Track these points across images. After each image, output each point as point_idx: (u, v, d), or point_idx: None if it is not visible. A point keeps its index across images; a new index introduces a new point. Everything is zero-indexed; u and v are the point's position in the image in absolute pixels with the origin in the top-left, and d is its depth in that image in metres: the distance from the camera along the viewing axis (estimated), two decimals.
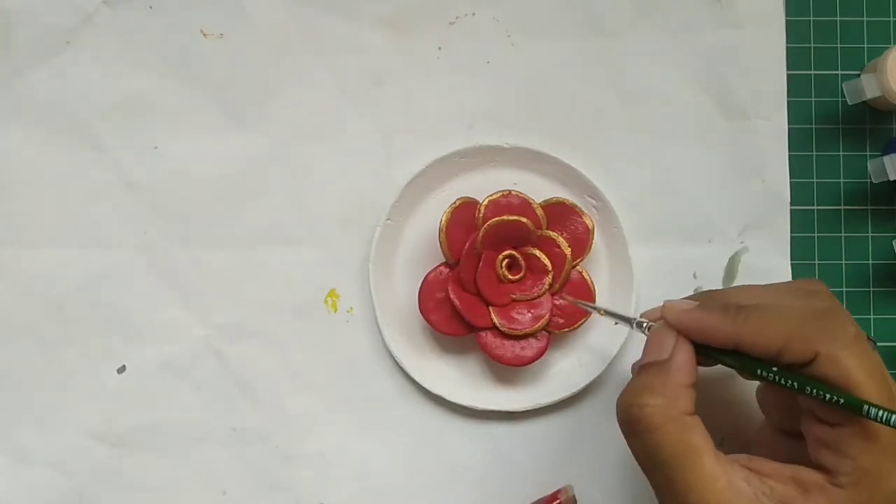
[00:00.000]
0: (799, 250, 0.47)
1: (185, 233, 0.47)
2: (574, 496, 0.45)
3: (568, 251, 0.44)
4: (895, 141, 0.48)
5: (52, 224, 0.46)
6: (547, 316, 0.44)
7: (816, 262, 0.48)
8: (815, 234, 0.48)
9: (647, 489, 0.36)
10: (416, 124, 0.47)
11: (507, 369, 0.46)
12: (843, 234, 0.48)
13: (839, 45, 0.48)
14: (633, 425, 0.34)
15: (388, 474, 0.46)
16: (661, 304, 0.38)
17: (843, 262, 0.48)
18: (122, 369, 0.46)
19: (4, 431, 0.46)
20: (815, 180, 0.48)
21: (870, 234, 0.48)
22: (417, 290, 0.44)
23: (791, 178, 0.47)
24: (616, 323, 0.41)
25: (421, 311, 0.44)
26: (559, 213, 0.45)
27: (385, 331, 0.45)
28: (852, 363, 0.32)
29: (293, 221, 0.47)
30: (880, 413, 0.31)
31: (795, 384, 0.33)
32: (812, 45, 0.48)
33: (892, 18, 0.48)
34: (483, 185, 0.45)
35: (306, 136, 0.47)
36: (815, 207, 0.48)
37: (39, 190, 0.46)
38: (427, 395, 0.46)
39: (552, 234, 0.44)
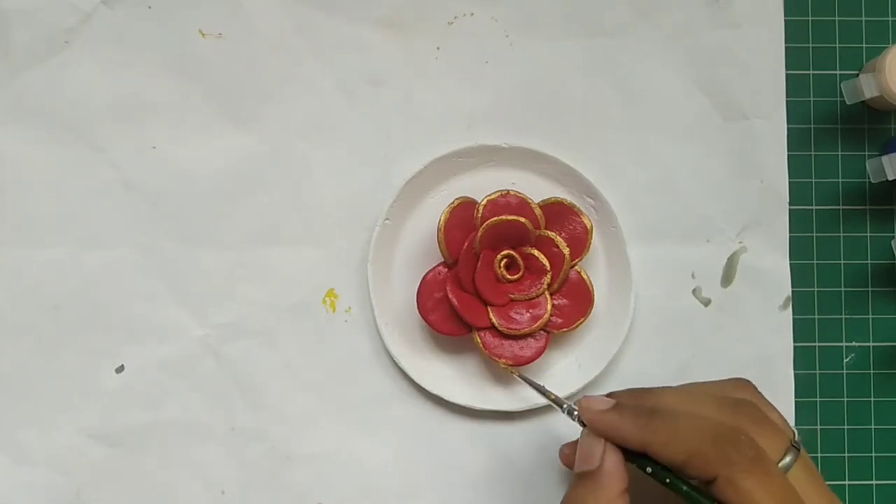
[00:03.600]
0: (797, 250, 0.47)
1: (184, 232, 0.47)
2: None
3: (566, 251, 0.44)
4: (894, 140, 0.48)
5: (51, 224, 0.46)
6: (545, 316, 0.44)
7: (815, 261, 0.48)
8: (814, 234, 0.48)
9: (644, 488, 0.36)
10: (415, 124, 0.47)
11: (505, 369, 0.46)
12: (841, 234, 0.48)
13: (837, 45, 0.48)
14: None
15: (386, 474, 0.46)
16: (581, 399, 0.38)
17: (842, 261, 0.48)
18: (120, 369, 0.46)
19: (3, 431, 0.46)
20: (813, 180, 0.48)
21: (868, 234, 0.48)
22: (416, 289, 0.44)
23: (789, 177, 0.47)
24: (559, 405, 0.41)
25: (419, 311, 0.44)
26: (558, 212, 0.45)
27: (383, 330, 0.45)
28: (750, 487, 0.32)
29: (291, 221, 0.47)
30: None
31: (701, 500, 0.34)
32: (811, 44, 0.48)
33: (890, 18, 0.48)
34: (482, 185, 0.45)
35: (305, 136, 0.47)
36: (813, 207, 0.48)
37: (38, 190, 0.47)
38: (425, 395, 0.46)
39: (550, 233, 0.44)
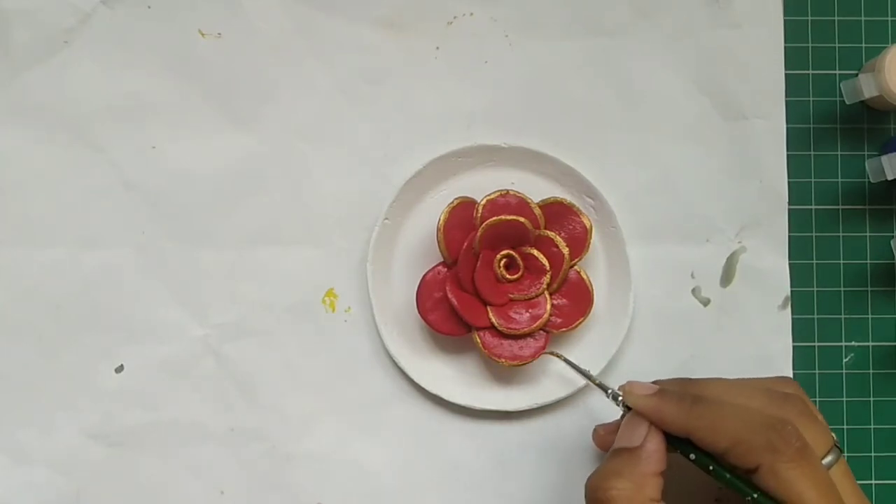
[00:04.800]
0: (797, 250, 0.47)
1: (184, 232, 0.47)
2: None
3: (566, 251, 0.44)
4: (893, 140, 0.48)
5: (51, 224, 0.46)
6: (545, 316, 0.44)
7: (814, 261, 0.48)
8: (813, 234, 0.48)
9: (680, 480, 0.36)
10: (414, 124, 0.47)
11: (505, 369, 0.46)
12: (840, 234, 0.48)
13: (837, 45, 0.48)
14: None
15: (385, 474, 0.46)
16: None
17: (841, 261, 0.48)
18: (120, 369, 0.46)
19: (3, 431, 0.46)
20: (812, 180, 0.48)
21: (868, 234, 0.48)
22: (415, 289, 0.44)
23: (789, 177, 0.47)
24: (600, 387, 0.42)
25: (419, 311, 0.44)
26: (557, 212, 0.45)
27: (383, 330, 0.45)
28: (794, 477, 0.32)
29: (291, 221, 0.47)
30: None
31: (743, 488, 0.34)
32: (810, 44, 0.48)
33: (889, 18, 0.48)
34: (481, 185, 0.45)
35: (304, 136, 0.47)
36: (812, 207, 0.48)
37: (37, 190, 0.47)
38: (425, 395, 0.46)
39: (550, 233, 0.44)
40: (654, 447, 0.36)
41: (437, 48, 0.47)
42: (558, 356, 0.44)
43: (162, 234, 0.47)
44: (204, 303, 0.46)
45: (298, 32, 0.47)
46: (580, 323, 0.45)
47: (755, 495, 0.34)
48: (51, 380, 0.46)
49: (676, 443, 0.36)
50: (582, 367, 0.43)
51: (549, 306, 0.44)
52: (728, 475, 0.35)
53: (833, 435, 0.37)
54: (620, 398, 0.39)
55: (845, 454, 0.37)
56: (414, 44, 0.47)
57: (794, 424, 0.34)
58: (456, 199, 0.44)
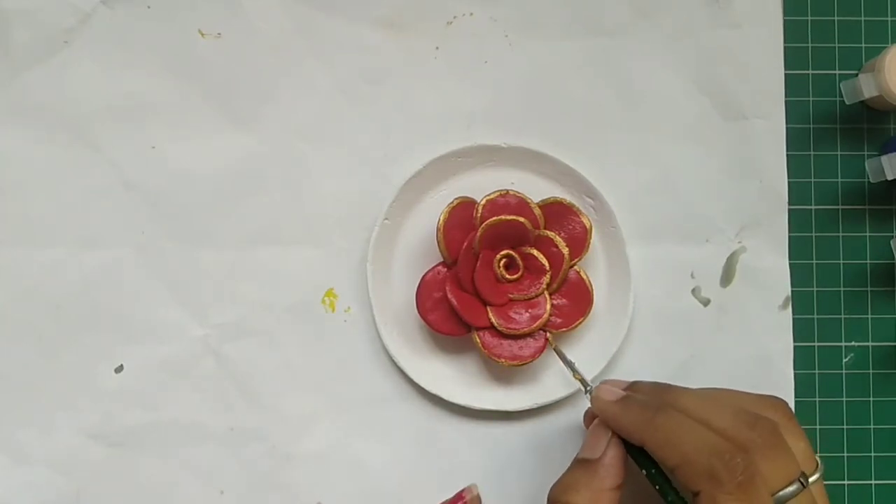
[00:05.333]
0: (796, 250, 0.47)
1: (183, 232, 0.47)
2: (478, 495, 0.45)
3: (566, 251, 0.44)
4: (893, 140, 0.48)
5: (50, 224, 0.46)
6: (545, 316, 0.44)
7: (814, 261, 0.48)
8: (813, 234, 0.48)
9: (643, 488, 0.36)
10: (414, 124, 0.47)
11: (504, 369, 0.46)
12: (840, 234, 0.48)
13: (837, 45, 0.48)
14: None
15: (385, 474, 0.46)
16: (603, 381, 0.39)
17: (841, 261, 0.48)
18: (119, 369, 0.46)
19: (3, 431, 0.46)
20: (812, 180, 0.48)
21: (867, 234, 0.48)
22: (415, 289, 0.44)
23: (789, 177, 0.47)
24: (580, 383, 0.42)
25: (419, 311, 0.44)
26: (557, 212, 0.45)
27: (383, 330, 0.45)
28: None
29: (291, 221, 0.47)
30: None
31: None
32: (810, 44, 0.48)
33: (889, 18, 0.48)
34: (481, 185, 0.45)
35: (304, 136, 0.47)
36: (812, 207, 0.48)
37: (37, 190, 0.47)
38: (425, 395, 0.46)
39: (550, 233, 0.44)
40: (613, 461, 0.36)
41: (437, 48, 0.47)
42: (551, 343, 0.44)
43: (162, 234, 0.47)
44: (204, 303, 0.46)
45: (298, 32, 0.47)
46: (580, 323, 0.45)
47: None
48: (51, 380, 0.46)
49: (637, 456, 0.36)
50: (575, 363, 0.43)
51: (548, 306, 0.44)
52: (670, 497, 0.34)
53: (813, 463, 0.35)
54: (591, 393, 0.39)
55: (821, 478, 0.35)
56: (414, 44, 0.47)
57: (746, 455, 0.32)
58: (456, 199, 0.44)
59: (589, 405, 0.41)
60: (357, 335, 0.46)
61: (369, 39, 0.47)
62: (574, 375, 0.42)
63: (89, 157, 0.47)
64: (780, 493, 0.33)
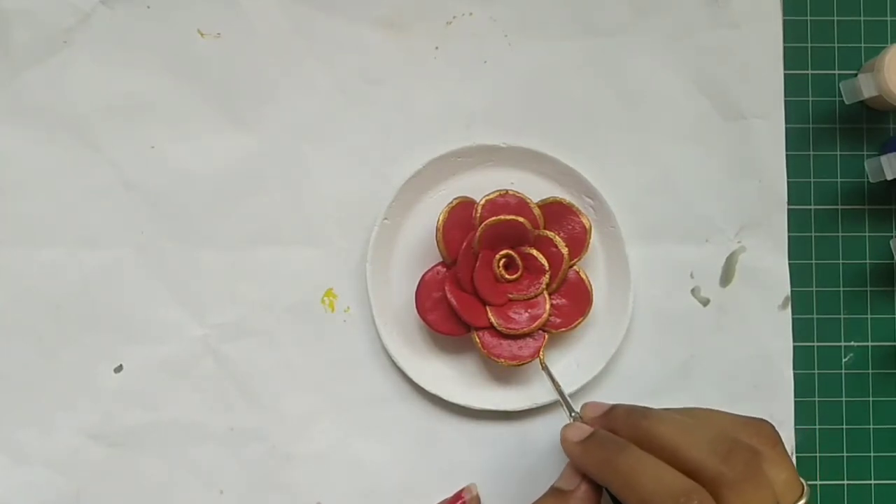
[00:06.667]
0: (796, 250, 0.47)
1: (183, 232, 0.47)
2: (478, 495, 0.45)
3: (565, 251, 0.44)
4: (892, 140, 0.48)
5: (50, 224, 0.46)
6: (544, 315, 0.44)
7: (813, 261, 0.48)
8: (812, 234, 0.48)
9: None
10: (414, 124, 0.47)
11: (504, 369, 0.46)
12: (840, 234, 0.48)
13: (836, 45, 0.48)
14: None
15: (384, 474, 0.46)
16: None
17: (841, 261, 0.48)
18: (119, 369, 0.46)
19: (3, 431, 0.46)
20: (812, 180, 0.48)
21: (867, 234, 0.48)
22: (414, 289, 0.44)
23: (788, 177, 0.47)
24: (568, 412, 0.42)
25: (418, 311, 0.44)
26: (556, 212, 0.45)
27: (382, 330, 0.45)
28: None
29: (290, 221, 0.47)
30: None
31: None
32: (809, 44, 0.48)
33: (889, 18, 0.48)
34: (480, 185, 0.45)
35: (303, 136, 0.47)
36: (812, 207, 0.48)
37: (37, 190, 0.47)
38: (424, 395, 0.46)
39: (549, 233, 0.44)
40: (585, 495, 0.36)
41: (437, 48, 0.47)
42: (543, 365, 0.43)
43: (162, 234, 0.47)
44: (204, 303, 0.46)
45: (298, 32, 0.47)
46: (579, 323, 0.45)
47: None
48: (51, 380, 0.46)
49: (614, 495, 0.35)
50: (561, 382, 0.43)
51: (548, 306, 0.44)
52: None
53: (802, 486, 0.34)
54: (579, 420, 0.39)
55: (809, 451, 0.35)
56: (413, 44, 0.47)
57: (712, 491, 0.31)
58: (455, 198, 0.44)
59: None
60: (357, 335, 0.46)
61: (369, 39, 0.47)
62: (562, 399, 0.42)
63: (89, 157, 0.47)
64: None
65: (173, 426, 0.46)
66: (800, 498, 0.34)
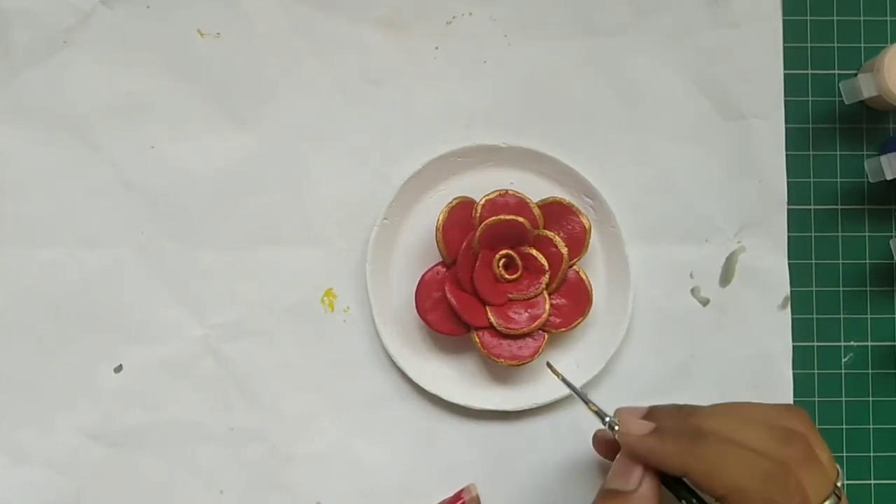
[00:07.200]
0: (796, 250, 0.47)
1: (183, 232, 0.47)
2: (477, 496, 0.45)
3: (565, 251, 0.44)
4: (892, 140, 0.48)
5: (50, 224, 0.46)
6: (544, 316, 0.44)
7: (813, 261, 0.48)
8: (812, 234, 0.48)
9: None
10: (414, 124, 0.47)
11: (504, 369, 0.46)
12: (840, 234, 0.48)
13: (836, 45, 0.48)
14: None
15: (384, 473, 0.46)
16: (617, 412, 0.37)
17: (840, 261, 0.48)
18: (119, 369, 0.46)
19: (3, 431, 0.46)
20: (811, 180, 0.48)
21: (867, 234, 0.48)
22: (414, 289, 0.44)
23: (788, 177, 0.47)
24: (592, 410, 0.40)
25: (418, 311, 0.44)
26: (556, 212, 0.45)
27: (382, 330, 0.45)
28: None
29: (290, 221, 0.47)
30: None
31: None
32: (809, 44, 0.48)
33: (888, 18, 0.48)
34: (480, 185, 0.45)
35: (303, 136, 0.47)
36: (811, 207, 0.48)
37: (37, 190, 0.47)
38: (425, 395, 0.46)
39: (549, 233, 0.44)
40: (648, 492, 0.35)
41: (437, 48, 0.47)
42: (556, 373, 0.42)
43: (161, 234, 0.47)
44: (203, 303, 0.46)
45: (298, 32, 0.47)
46: (579, 323, 0.45)
47: None
48: (50, 380, 0.46)
49: (671, 483, 0.35)
50: (587, 394, 0.42)
51: (548, 306, 0.44)
52: None
53: (836, 471, 0.35)
54: (616, 429, 0.37)
55: (844, 482, 0.35)
56: (413, 44, 0.47)
57: (796, 476, 0.32)
58: (455, 198, 0.44)
59: (595, 428, 0.40)
60: (356, 335, 0.46)
61: (369, 39, 0.47)
62: (589, 407, 0.39)
63: (89, 157, 0.47)
64: None
65: (173, 426, 0.46)
66: (838, 476, 0.35)
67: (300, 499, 0.46)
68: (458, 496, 0.45)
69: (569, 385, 0.41)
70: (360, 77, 0.47)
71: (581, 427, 0.46)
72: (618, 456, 0.37)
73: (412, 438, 0.46)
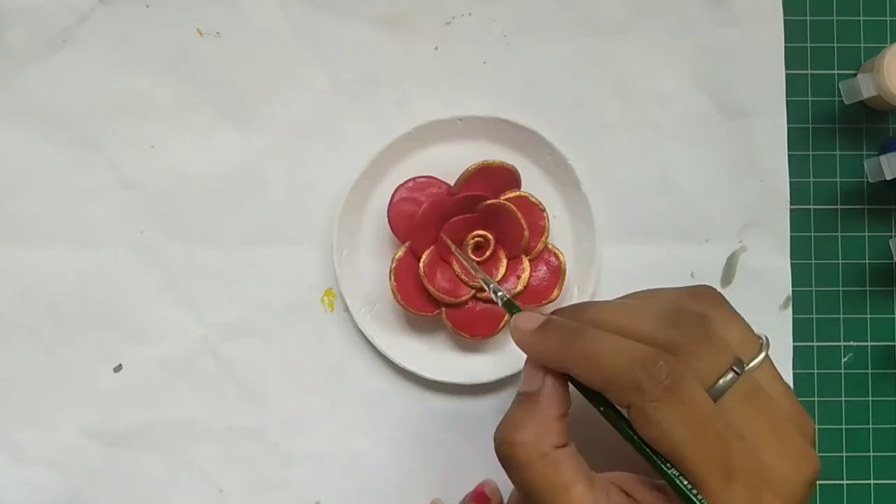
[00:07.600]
0: (796, 250, 0.47)
1: (182, 232, 0.47)
2: (496, 487, 0.45)
3: (526, 233, 0.44)
4: (892, 140, 0.48)
5: (49, 223, 0.46)
6: (519, 287, 0.44)
7: (813, 261, 0.48)
8: (812, 234, 0.48)
9: (636, 459, 0.35)
10: (413, 124, 0.47)
11: (483, 343, 0.46)
12: (839, 234, 0.48)
13: (836, 45, 0.48)
14: (505, 462, 0.34)
15: (384, 472, 0.46)
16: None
17: (840, 261, 0.48)
18: (118, 368, 0.46)
19: (2, 431, 0.46)
20: (811, 180, 0.48)
21: (867, 234, 0.48)
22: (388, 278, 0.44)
23: (788, 177, 0.47)
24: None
25: (398, 300, 0.44)
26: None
27: (366, 328, 0.45)
28: (662, 417, 0.30)
29: (289, 221, 0.47)
30: (682, 484, 0.29)
31: (626, 431, 0.31)
32: (808, 44, 0.48)
33: (888, 18, 0.48)
34: (438, 162, 0.46)
35: (302, 136, 0.47)
36: (811, 207, 0.48)
37: (35, 189, 0.47)
38: (424, 394, 0.46)
39: (506, 202, 0.44)
40: (553, 390, 0.33)
41: (436, 48, 0.47)
42: (459, 255, 0.43)
43: (160, 233, 0.47)
44: (202, 302, 0.46)
45: (297, 32, 0.47)
46: (556, 297, 0.45)
47: (632, 439, 0.31)
48: (48, 379, 0.46)
49: (588, 392, 0.33)
50: (489, 277, 0.42)
51: (526, 276, 0.45)
52: (612, 416, 0.32)
53: (755, 341, 0.33)
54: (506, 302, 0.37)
55: (767, 358, 0.33)
56: (412, 44, 0.47)
57: (667, 359, 0.30)
58: (408, 180, 0.44)
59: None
60: (356, 334, 0.46)
61: (368, 39, 0.47)
62: (496, 295, 0.38)
63: (88, 157, 0.47)
64: (715, 386, 0.31)
65: (173, 425, 0.46)
66: (760, 349, 0.33)
67: (299, 498, 0.46)
68: (478, 490, 0.45)
69: (474, 269, 0.41)
70: (359, 77, 0.47)
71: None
72: (525, 360, 0.35)
73: (411, 437, 0.46)
